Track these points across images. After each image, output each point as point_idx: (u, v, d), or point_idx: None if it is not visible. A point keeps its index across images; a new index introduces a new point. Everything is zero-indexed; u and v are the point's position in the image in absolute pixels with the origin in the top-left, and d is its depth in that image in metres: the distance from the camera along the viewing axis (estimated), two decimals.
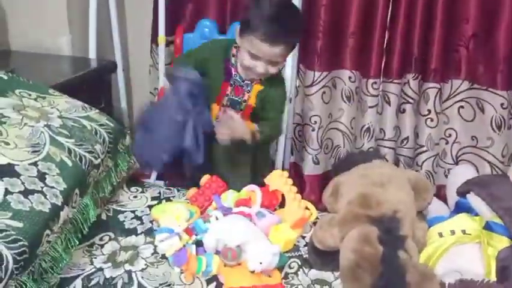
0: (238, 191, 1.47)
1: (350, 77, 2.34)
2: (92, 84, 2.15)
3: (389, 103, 2.31)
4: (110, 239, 1.39)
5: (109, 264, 1.30)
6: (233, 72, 1.65)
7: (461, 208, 1.40)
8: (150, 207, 1.52)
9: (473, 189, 1.35)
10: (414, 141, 2.37)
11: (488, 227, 1.25)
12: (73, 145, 1.38)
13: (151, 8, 2.41)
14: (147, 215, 1.50)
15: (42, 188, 1.23)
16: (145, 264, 1.30)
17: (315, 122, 2.42)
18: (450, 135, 2.38)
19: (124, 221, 1.48)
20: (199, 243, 1.32)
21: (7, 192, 1.17)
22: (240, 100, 1.67)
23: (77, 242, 1.33)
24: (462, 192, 1.40)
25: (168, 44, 2.40)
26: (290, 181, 1.46)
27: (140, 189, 1.65)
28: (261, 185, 1.48)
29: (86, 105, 1.61)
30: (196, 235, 1.33)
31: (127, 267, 1.29)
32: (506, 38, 2.09)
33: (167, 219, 1.34)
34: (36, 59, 2.27)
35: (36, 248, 1.15)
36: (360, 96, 2.35)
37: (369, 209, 1.20)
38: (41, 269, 1.16)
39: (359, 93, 2.35)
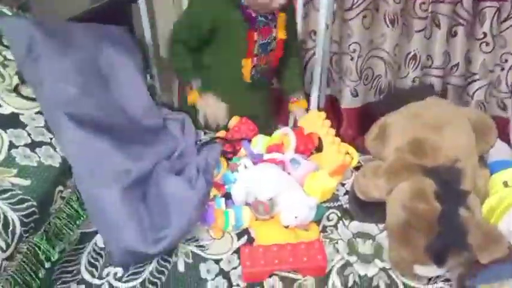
0: (270, 134, 1.29)
1: None
2: (111, 16, 1.95)
3: (438, 26, 2.01)
4: None
5: None
6: (253, 15, 1.40)
7: None
8: None
9: None
10: (465, 68, 2.09)
11: None
12: None
13: None
14: None
15: (51, 139, 1.09)
16: None
17: (354, 50, 2.15)
18: (506, 61, 2.08)
19: None
20: (228, 196, 1.18)
21: (11, 145, 1.02)
22: (270, 41, 1.45)
23: None
24: None
25: None
26: (328, 123, 1.27)
27: None
28: (295, 127, 1.30)
29: None
30: (225, 188, 1.19)
31: None
32: None
33: None
34: None
35: (48, 207, 1.02)
36: (406, 19, 2.06)
37: (424, 157, 1.00)
38: (56, 229, 1.05)
39: (405, 15, 2.05)
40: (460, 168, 0.97)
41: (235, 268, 1.05)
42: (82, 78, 1.12)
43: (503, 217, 1.01)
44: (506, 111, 2.16)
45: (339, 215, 1.17)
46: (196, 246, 1.10)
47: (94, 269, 1.04)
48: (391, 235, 1.00)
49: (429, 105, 1.11)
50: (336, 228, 1.14)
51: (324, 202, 1.19)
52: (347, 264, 1.06)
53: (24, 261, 0.96)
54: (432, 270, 0.96)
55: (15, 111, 1.08)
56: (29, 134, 1.07)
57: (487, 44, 2.01)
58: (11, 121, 1.07)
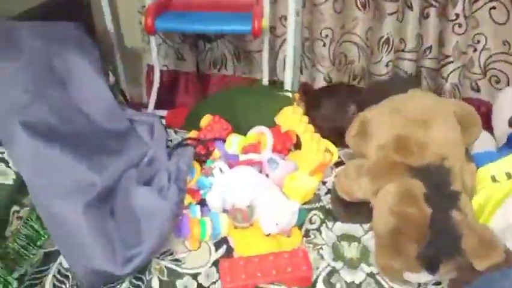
0: (244, 134, 1.19)
1: None
2: (68, 7, 1.79)
3: (411, 7, 1.92)
4: None
5: None
6: None
7: None
8: None
9: None
10: (438, 51, 2.03)
11: None
12: None
13: None
14: None
15: (2, 154, 0.96)
16: None
17: (326, 36, 2.06)
18: (479, 42, 2.03)
19: None
20: (204, 203, 1.08)
21: None
22: None
23: None
24: None
25: None
26: (306, 119, 1.17)
27: None
28: (271, 125, 1.21)
29: None
30: (200, 194, 1.08)
31: None
32: None
33: None
34: None
35: (2, 230, 0.91)
36: (378, 2, 1.96)
37: (409, 155, 0.92)
38: (13, 253, 0.93)
39: None
40: (449, 168, 0.89)
41: (214, 283, 0.96)
42: (33, 82, 0.99)
43: (494, 215, 0.94)
44: (480, 93, 2.11)
45: (322, 216, 1.09)
46: (171, 260, 1.00)
47: None
48: (379, 242, 0.92)
49: (412, 98, 1.03)
50: (320, 232, 1.06)
51: (306, 203, 1.10)
52: (333, 271, 0.98)
53: None
54: (424, 277, 0.89)
55: None
56: None
57: (460, 25, 1.94)
58: None
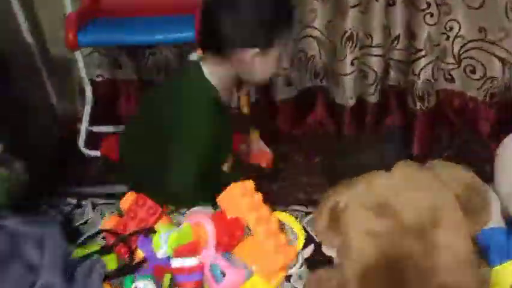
0: (178, 225, 0.84)
1: None
2: None
3: None
4: None
5: None
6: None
7: None
8: None
9: None
10: (409, 43, 1.69)
11: None
12: None
13: None
14: None
15: None
16: None
17: None
18: (451, 29, 1.71)
19: None
20: None
21: None
22: None
23: None
24: None
25: None
26: (258, 198, 0.83)
27: None
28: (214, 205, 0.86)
29: None
30: None
31: None
32: None
33: None
34: None
35: None
36: None
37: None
38: None
39: None
40: None
41: None
42: None
43: None
44: (454, 83, 1.79)
45: None
46: None
47: None
48: None
49: (400, 185, 0.70)
50: None
51: None
52: None
53: None
54: None
55: None
56: None
57: (432, 15, 1.60)
58: None
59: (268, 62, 1.01)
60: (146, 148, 1.11)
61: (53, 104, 1.82)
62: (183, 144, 1.01)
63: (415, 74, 1.67)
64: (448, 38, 1.72)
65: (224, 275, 0.76)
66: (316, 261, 0.83)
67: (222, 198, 0.83)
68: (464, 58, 1.75)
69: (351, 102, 1.74)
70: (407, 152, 1.34)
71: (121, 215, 0.89)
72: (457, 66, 1.76)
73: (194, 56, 1.08)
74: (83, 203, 0.96)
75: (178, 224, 0.88)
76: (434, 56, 1.65)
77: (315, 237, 0.87)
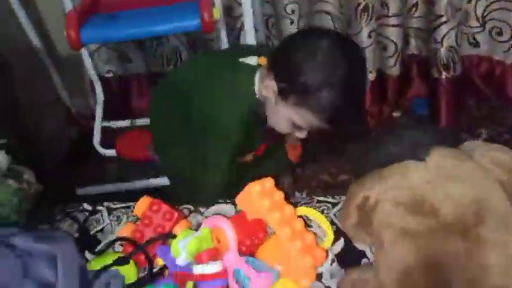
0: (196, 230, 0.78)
1: None
2: None
3: None
4: None
5: None
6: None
7: None
8: None
9: None
10: (428, 9, 1.58)
11: None
12: None
13: None
14: None
15: None
16: None
17: (293, 11, 1.60)
18: None
19: None
20: None
21: None
22: None
23: None
24: None
25: None
26: (279, 195, 0.77)
27: None
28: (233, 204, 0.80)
29: None
30: None
31: None
32: None
33: None
34: None
35: None
36: None
37: None
38: None
39: None
40: None
41: None
42: None
43: None
44: (479, 48, 1.68)
45: None
46: None
47: None
48: None
49: (437, 178, 0.62)
50: None
51: None
52: None
53: None
54: None
55: None
56: None
57: None
58: None
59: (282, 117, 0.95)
60: (177, 140, 1.11)
61: (65, 103, 1.78)
62: (213, 142, 1.01)
63: (437, 42, 1.57)
64: (469, 0, 1.60)
65: (250, 280, 0.71)
66: (348, 257, 0.76)
67: (241, 199, 0.77)
68: (488, 20, 1.63)
69: (371, 76, 1.65)
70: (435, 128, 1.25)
71: (135, 222, 0.84)
72: (481, 29, 1.65)
73: (252, 60, 1.00)
74: (99, 208, 0.91)
75: (197, 225, 0.83)
76: (456, 21, 1.54)
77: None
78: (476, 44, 1.68)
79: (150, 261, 0.76)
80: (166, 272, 0.76)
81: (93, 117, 1.72)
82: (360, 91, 0.97)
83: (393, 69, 1.66)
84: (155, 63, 1.77)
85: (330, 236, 0.78)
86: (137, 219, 0.84)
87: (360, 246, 0.74)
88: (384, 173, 0.65)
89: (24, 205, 0.86)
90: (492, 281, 0.53)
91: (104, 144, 1.63)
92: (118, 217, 0.89)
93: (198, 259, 0.73)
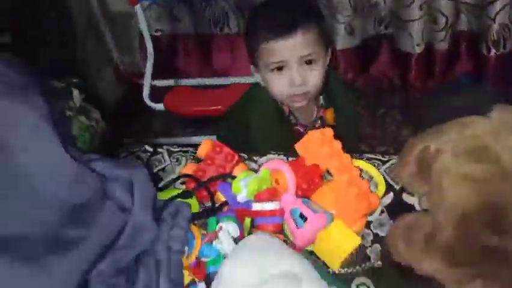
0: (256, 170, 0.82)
1: None
2: None
3: None
4: None
5: None
6: (301, 129, 1.09)
7: None
8: None
9: None
10: None
11: None
12: None
13: None
14: None
15: None
16: None
17: None
18: None
19: None
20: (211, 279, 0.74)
21: None
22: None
23: None
24: None
25: None
26: (336, 144, 0.80)
27: None
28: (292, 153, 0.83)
29: None
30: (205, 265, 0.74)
31: None
32: None
33: None
34: None
35: None
36: None
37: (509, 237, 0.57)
38: None
39: None
40: None
41: None
42: None
43: None
44: None
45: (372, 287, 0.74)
46: None
47: None
48: None
49: (500, 129, 0.64)
50: None
51: (346, 266, 0.76)
52: None
53: None
54: None
55: None
56: None
57: None
58: None
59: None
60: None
61: (114, 59, 1.83)
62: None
63: (490, 18, 1.55)
64: None
65: (305, 220, 0.74)
66: (397, 209, 0.79)
67: (301, 145, 0.80)
68: None
69: (419, 49, 1.64)
70: None
71: (197, 162, 0.88)
72: None
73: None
74: (160, 150, 0.96)
75: (254, 171, 0.87)
76: None
77: (394, 185, 0.83)
78: None
79: (212, 196, 0.81)
80: (225, 209, 0.81)
81: (140, 75, 1.77)
82: None
83: (442, 44, 1.65)
84: (202, 24, 1.80)
85: (382, 187, 0.81)
86: (198, 161, 0.89)
87: (410, 199, 0.77)
88: (445, 127, 0.67)
89: (93, 141, 0.91)
90: None
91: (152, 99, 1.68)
92: (177, 159, 0.94)
93: (258, 197, 0.77)
